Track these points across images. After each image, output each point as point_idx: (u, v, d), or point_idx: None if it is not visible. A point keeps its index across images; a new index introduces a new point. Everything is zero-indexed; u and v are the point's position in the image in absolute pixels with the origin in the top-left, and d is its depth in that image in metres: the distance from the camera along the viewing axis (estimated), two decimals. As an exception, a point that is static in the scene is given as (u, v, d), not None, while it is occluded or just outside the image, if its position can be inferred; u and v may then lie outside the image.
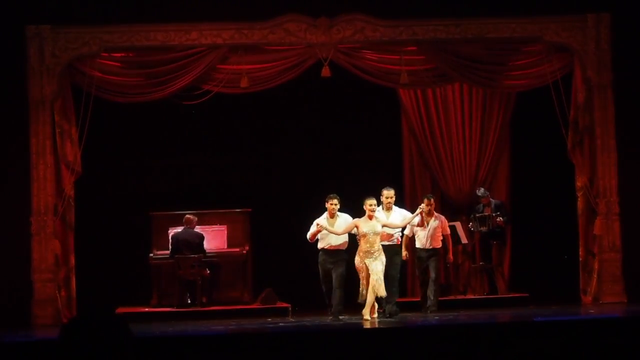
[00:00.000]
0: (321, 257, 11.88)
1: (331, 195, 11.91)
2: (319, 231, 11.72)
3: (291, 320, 12.13)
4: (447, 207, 13.78)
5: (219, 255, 13.25)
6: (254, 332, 10.72)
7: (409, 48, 13.14)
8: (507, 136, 14.07)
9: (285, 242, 13.98)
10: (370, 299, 11.41)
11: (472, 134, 13.93)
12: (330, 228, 11.70)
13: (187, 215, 13.07)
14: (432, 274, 12.19)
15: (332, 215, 11.84)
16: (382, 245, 11.68)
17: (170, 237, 13.13)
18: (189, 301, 12.97)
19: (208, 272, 12.92)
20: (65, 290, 12.53)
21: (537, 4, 12.91)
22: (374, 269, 11.38)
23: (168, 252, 13.06)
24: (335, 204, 11.83)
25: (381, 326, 10.94)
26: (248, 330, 10.95)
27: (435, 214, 12.38)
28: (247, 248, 13.44)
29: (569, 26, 12.91)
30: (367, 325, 11.09)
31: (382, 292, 11.42)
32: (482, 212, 13.45)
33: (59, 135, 12.47)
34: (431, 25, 12.81)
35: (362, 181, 12.81)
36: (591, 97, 12.90)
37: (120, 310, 12.67)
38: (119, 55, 12.92)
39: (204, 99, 12.83)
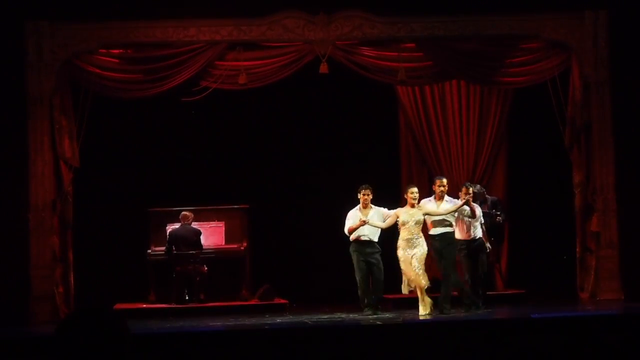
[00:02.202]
0: (355, 248, 11.88)
1: (363, 185, 11.92)
2: (361, 225, 11.69)
3: (289, 316, 12.15)
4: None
5: (216, 251, 13.24)
6: (251, 328, 10.72)
7: (407, 45, 13.15)
8: (504, 133, 14.07)
9: (283, 239, 14.00)
10: (419, 287, 11.40)
11: (470, 131, 13.92)
12: (375, 222, 11.68)
13: (183, 212, 13.07)
14: (482, 269, 12.22)
15: (365, 206, 11.84)
16: (437, 235, 11.70)
17: (167, 234, 13.14)
18: (187, 298, 12.97)
19: (206, 268, 12.93)
20: (63, 286, 12.52)
21: (534, 1, 12.92)
22: (415, 258, 11.35)
23: (165, 248, 13.05)
24: (368, 195, 11.83)
25: (378, 323, 10.95)
26: (246, 326, 10.95)
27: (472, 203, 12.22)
28: (245, 244, 13.44)
29: (566, 23, 12.92)
30: (368, 321, 11.09)
31: (424, 283, 11.37)
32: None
33: (57, 132, 12.46)
34: (429, 22, 12.82)
35: (359, 177, 12.79)
36: (588, 94, 12.91)
37: (118, 306, 12.68)
38: (117, 51, 12.92)
39: (202, 96, 12.83)
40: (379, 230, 11.83)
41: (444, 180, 12.01)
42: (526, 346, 8.37)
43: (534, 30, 12.93)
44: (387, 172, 13.70)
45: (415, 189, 11.62)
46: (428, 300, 11.45)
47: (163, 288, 13.13)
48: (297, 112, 14.08)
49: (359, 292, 11.91)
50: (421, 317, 11.27)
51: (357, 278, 11.89)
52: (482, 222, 12.37)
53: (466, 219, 12.02)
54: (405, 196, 11.65)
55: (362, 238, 11.86)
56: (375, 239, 11.88)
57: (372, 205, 11.88)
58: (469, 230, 12.13)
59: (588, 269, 13.03)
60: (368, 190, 11.86)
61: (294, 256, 13.83)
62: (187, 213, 13.07)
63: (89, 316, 3.20)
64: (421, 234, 11.55)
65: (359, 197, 11.91)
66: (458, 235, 12.09)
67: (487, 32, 12.96)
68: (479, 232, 12.18)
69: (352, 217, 11.87)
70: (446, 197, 11.91)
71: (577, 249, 13.19)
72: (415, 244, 11.41)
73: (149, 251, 13.28)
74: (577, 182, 13.10)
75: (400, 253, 11.48)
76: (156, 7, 12.58)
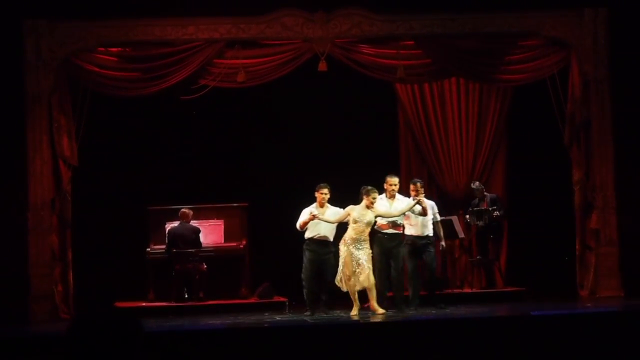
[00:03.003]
0: (309, 247, 11.87)
1: (321, 184, 11.90)
2: (311, 220, 11.67)
3: (288, 314, 12.14)
4: (443, 201, 13.75)
5: (216, 249, 13.25)
6: (251, 326, 10.71)
7: (406, 42, 13.14)
8: (503, 130, 14.06)
9: (282, 237, 13.96)
10: (354, 291, 11.37)
11: (469, 128, 13.91)
12: (324, 217, 11.65)
13: (183, 210, 13.07)
14: (432, 265, 12.04)
15: (322, 205, 11.83)
16: (387, 234, 11.64)
17: (166, 232, 13.13)
18: (186, 296, 12.97)
19: (205, 266, 12.92)
20: (62, 285, 12.51)
21: (534, -2, 12.94)
22: (363, 259, 11.27)
23: (165, 246, 13.05)
24: (325, 194, 11.82)
25: (378, 320, 10.93)
26: (245, 324, 10.94)
27: (424, 199, 12.04)
28: (244, 242, 13.44)
29: (566, 21, 12.91)
30: (361, 320, 11.06)
31: (372, 280, 11.28)
32: (479, 206, 13.46)
33: (56, 130, 12.45)
34: (428, 19, 12.82)
35: (358, 175, 12.77)
36: (588, 92, 12.91)
37: (118, 305, 12.67)
38: (115, 50, 12.90)
39: (200, 94, 12.82)
40: (334, 229, 11.74)
41: (395, 179, 11.99)
42: (526, 344, 8.36)
43: (534, 27, 12.92)
44: (386, 171, 13.65)
45: (376, 195, 11.50)
46: (356, 305, 11.44)
47: (162, 286, 13.12)
48: (296, 110, 14.04)
49: (305, 291, 11.84)
50: (352, 317, 11.26)
51: (303, 276, 11.85)
52: (437, 220, 12.22)
53: (414, 215, 11.89)
54: (364, 197, 11.47)
55: (317, 237, 11.83)
56: (331, 239, 11.77)
57: (329, 205, 11.85)
58: (416, 225, 12.01)
59: (588, 267, 13.03)
60: (325, 190, 11.83)
61: (293, 254, 13.80)
62: (186, 210, 13.07)
63: (102, 314, 3.18)
64: (367, 238, 11.43)
65: (315, 195, 11.88)
66: (407, 230, 12.01)
67: (486, 30, 12.95)
68: (428, 230, 12.06)
69: (306, 215, 11.84)
70: (398, 196, 11.88)
71: (577, 247, 13.19)
72: (360, 246, 11.31)
73: (148, 249, 13.28)
74: (577, 180, 13.09)
75: (342, 248, 11.40)
76: (155, 5, 12.56)
